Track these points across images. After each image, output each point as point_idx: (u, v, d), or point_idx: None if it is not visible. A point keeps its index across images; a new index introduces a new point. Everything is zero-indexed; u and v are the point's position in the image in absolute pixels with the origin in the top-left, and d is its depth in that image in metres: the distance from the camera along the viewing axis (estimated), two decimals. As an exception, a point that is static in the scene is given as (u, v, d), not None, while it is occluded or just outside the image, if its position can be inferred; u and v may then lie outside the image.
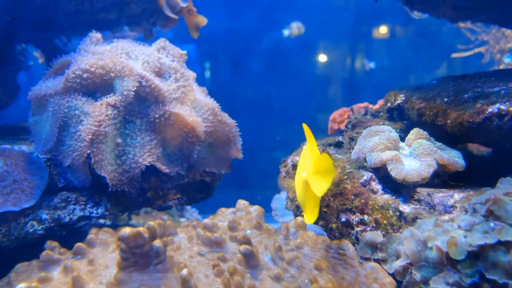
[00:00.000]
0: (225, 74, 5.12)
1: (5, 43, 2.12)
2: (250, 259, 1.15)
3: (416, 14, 3.58)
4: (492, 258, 0.95)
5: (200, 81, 1.96)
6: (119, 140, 1.51)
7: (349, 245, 1.18)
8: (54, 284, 1.14)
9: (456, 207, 1.19)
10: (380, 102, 2.34)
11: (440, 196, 1.24)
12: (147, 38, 2.46)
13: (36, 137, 1.56)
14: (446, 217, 1.12)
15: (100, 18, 2.11)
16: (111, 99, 1.50)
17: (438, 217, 1.14)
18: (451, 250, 0.99)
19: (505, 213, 0.99)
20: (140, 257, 1.03)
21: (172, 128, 1.60)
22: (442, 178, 1.37)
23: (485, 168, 1.48)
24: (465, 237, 1.00)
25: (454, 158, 1.30)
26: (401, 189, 1.34)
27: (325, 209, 1.39)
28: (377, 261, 1.17)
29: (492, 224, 0.99)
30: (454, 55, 3.90)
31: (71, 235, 1.47)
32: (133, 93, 1.51)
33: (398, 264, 1.10)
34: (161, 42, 1.86)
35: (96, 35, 1.74)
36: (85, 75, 1.51)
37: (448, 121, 1.37)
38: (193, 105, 1.73)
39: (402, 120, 1.82)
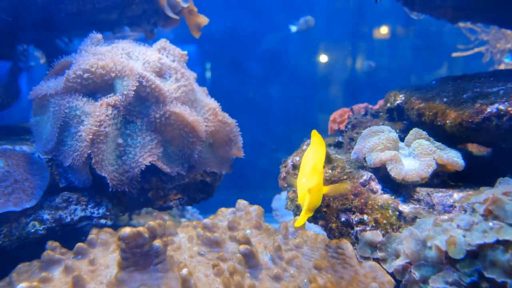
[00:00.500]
0: (225, 74, 5.12)
1: (6, 44, 2.13)
2: (249, 259, 1.15)
3: (415, 15, 3.59)
4: (491, 257, 0.95)
5: (201, 81, 1.97)
6: (120, 141, 1.51)
7: (348, 244, 1.19)
8: (55, 284, 1.15)
9: (455, 207, 1.19)
10: (380, 102, 2.34)
11: (440, 195, 1.25)
12: (148, 39, 2.47)
13: (37, 138, 1.57)
14: (445, 216, 1.13)
15: (101, 18, 2.12)
16: (111, 99, 1.50)
17: (437, 216, 1.15)
18: (450, 249, 1.00)
19: (503, 213, 0.99)
20: (140, 257, 1.04)
21: (173, 128, 1.61)
22: (441, 178, 1.37)
23: (484, 168, 1.48)
24: (464, 236, 1.01)
25: (453, 158, 1.30)
26: (400, 189, 1.35)
27: (325, 209, 1.40)
28: (377, 260, 1.18)
29: (490, 224, 0.99)
30: (454, 54, 3.90)
31: (72, 235, 1.48)
32: (133, 93, 1.52)
33: (398, 263, 1.10)
34: (162, 42, 1.86)
35: (96, 35, 1.74)
36: (85, 75, 1.52)
37: (447, 121, 1.37)
38: (194, 105, 1.74)
39: (402, 120, 1.82)
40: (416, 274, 1.04)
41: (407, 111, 1.67)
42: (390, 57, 5.13)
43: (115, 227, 1.55)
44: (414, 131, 1.44)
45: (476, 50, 3.82)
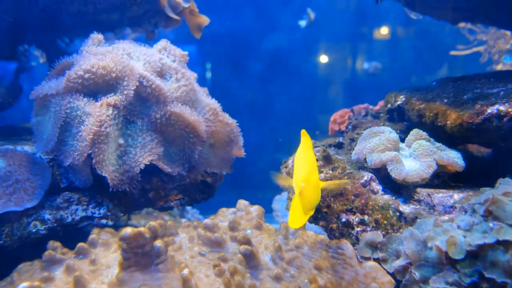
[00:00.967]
0: (226, 74, 5.13)
1: (8, 44, 2.13)
2: (250, 259, 1.16)
3: (414, 15, 3.59)
4: (491, 257, 0.96)
5: (201, 81, 1.97)
6: (121, 141, 1.51)
7: (348, 244, 1.19)
8: (57, 284, 1.15)
9: (455, 207, 1.20)
10: (381, 103, 2.35)
11: (440, 196, 1.25)
12: (149, 39, 2.47)
13: (38, 137, 1.57)
14: (446, 217, 1.13)
15: (103, 19, 2.12)
16: (112, 99, 1.51)
17: (437, 217, 1.15)
18: (451, 249, 1.00)
19: (503, 213, 0.99)
20: (141, 257, 1.04)
21: (174, 128, 1.61)
22: (441, 178, 1.38)
23: (484, 169, 1.49)
24: (464, 237, 1.01)
25: (453, 159, 1.31)
26: (401, 189, 1.35)
27: (325, 209, 1.40)
28: (377, 260, 1.18)
29: (491, 224, 1.00)
30: (453, 52, 3.91)
31: (73, 235, 1.48)
32: (134, 93, 1.52)
33: (398, 263, 1.11)
34: (163, 42, 1.87)
35: (98, 36, 1.75)
36: (86, 76, 1.52)
37: (447, 122, 1.37)
38: (195, 106, 1.74)
39: (402, 121, 1.83)
40: (416, 274, 1.05)
41: (407, 112, 1.67)
42: (390, 57, 5.14)
43: (116, 227, 1.55)
44: (415, 132, 1.44)
45: (475, 49, 3.82)
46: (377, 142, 1.39)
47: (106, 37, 1.79)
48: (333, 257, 1.18)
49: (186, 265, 1.09)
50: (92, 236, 1.32)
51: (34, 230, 1.43)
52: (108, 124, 1.46)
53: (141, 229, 1.02)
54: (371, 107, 2.36)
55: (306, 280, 1.11)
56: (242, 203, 1.44)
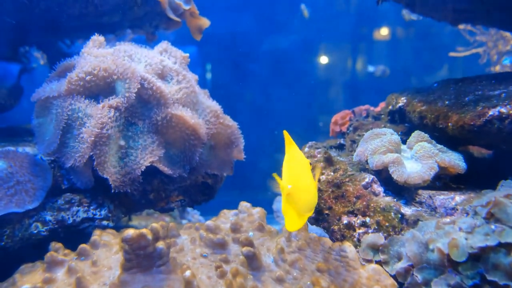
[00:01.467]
0: (226, 76, 5.13)
1: (9, 46, 2.13)
2: (252, 261, 1.16)
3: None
4: (493, 260, 0.96)
5: (202, 83, 1.97)
6: (122, 143, 1.52)
7: (351, 247, 1.19)
8: (59, 285, 1.15)
9: (457, 209, 1.20)
10: (382, 104, 2.35)
11: (442, 198, 1.25)
12: (150, 41, 2.47)
13: (40, 139, 1.57)
14: (447, 219, 1.13)
15: (104, 21, 2.13)
16: (113, 101, 1.51)
17: (439, 219, 1.15)
18: (452, 252, 1.00)
19: (505, 216, 1.00)
20: (143, 258, 1.04)
21: (174, 130, 1.61)
22: (443, 180, 1.38)
23: (486, 171, 1.49)
24: (466, 239, 1.01)
25: (455, 161, 1.31)
26: (402, 191, 1.35)
27: (327, 211, 1.40)
28: (379, 263, 1.18)
29: (493, 226, 1.00)
30: (452, 54, 3.92)
31: (74, 237, 1.48)
32: (135, 95, 1.52)
33: (400, 266, 1.11)
34: (164, 44, 1.87)
35: (99, 38, 1.75)
36: (88, 78, 1.52)
37: (449, 124, 1.38)
38: (195, 108, 1.74)
39: (404, 122, 1.83)
40: (418, 277, 1.05)
41: (408, 114, 1.67)
42: (390, 58, 5.14)
43: (117, 228, 1.55)
44: (416, 133, 1.44)
45: (474, 51, 3.83)
46: (378, 144, 1.39)
47: (106, 38, 1.80)
48: (336, 259, 1.18)
49: (188, 266, 1.09)
50: (94, 237, 1.32)
51: (35, 232, 1.44)
52: (110, 126, 1.46)
53: (143, 230, 1.03)
54: (372, 108, 2.36)
55: (308, 282, 1.11)
56: (244, 205, 1.44)
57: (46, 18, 1.92)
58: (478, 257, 0.98)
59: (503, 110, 1.24)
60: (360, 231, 1.30)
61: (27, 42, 2.31)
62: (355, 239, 1.31)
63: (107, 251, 1.29)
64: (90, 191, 1.57)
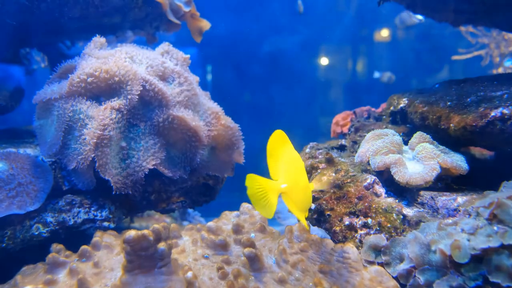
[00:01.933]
0: (227, 78, 5.13)
1: (10, 47, 2.13)
2: (254, 262, 1.15)
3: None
4: (495, 261, 0.95)
5: (203, 85, 1.97)
6: (123, 144, 1.52)
7: (353, 248, 1.19)
8: (60, 287, 1.15)
9: (459, 211, 1.19)
10: (383, 105, 2.35)
11: (444, 199, 1.25)
12: (150, 42, 2.47)
13: (41, 141, 1.57)
14: (450, 220, 1.13)
15: (104, 22, 2.13)
16: (115, 103, 1.51)
17: (441, 220, 1.15)
18: (455, 253, 1.00)
19: (508, 217, 0.99)
20: (145, 259, 1.04)
21: (176, 131, 1.61)
22: (445, 181, 1.38)
23: (488, 172, 1.49)
24: (468, 240, 1.01)
25: (457, 162, 1.31)
26: (404, 192, 1.35)
27: (328, 212, 1.40)
28: (381, 264, 1.18)
29: (495, 228, 1.00)
30: (455, 57, 3.91)
31: (75, 238, 1.48)
32: (137, 97, 1.52)
33: (402, 267, 1.10)
34: (165, 46, 1.87)
35: (100, 39, 1.75)
36: (89, 80, 1.52)
37: (451, 125, 1.37)
38: (197, 109, 1.74)
39: (405, 123, 1.83)
40: (420, 279, 1.04)
41: (410, 115, 1.67)
42: (390, 60, 5.14)
43: (118, 229, 1.55)
44: (418, 134, 1.44)
45: (476, 53, 3.83)
46: (380, 145, 1.39)
47: (107, 40, 1.80)
48: (338, 260, 1.18)
49: (190, 267, 1.09)
50: (95, 238, 1.32)
51: (36, 233, 1.43)
52: (112, 128, 1.46)
53: (145, 231, 1.02)
54: (373, 109, 2.36)
55: (311, 284, 1.11)
56: (245, 206, 1.44)
57: (46, 19, 1.92)
58: (480, 258, 0.98)
59: (505, 111, 1.23)
60: (362, 232, 1.30)
61: (27, 43, 2.31)
62: (356, 240, 1.30)
63: (109, 253, 1.29)
64: (91, 193, 1.57)
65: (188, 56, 1.89)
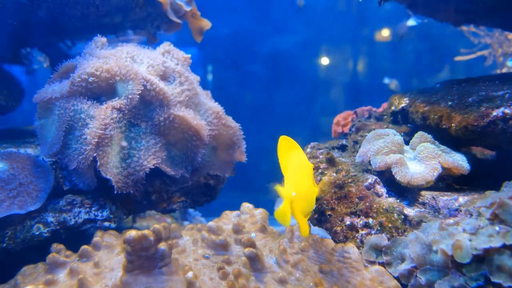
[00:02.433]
0: (228, 77, 5.13)
1: (11, 47, 2.13)
2: (255, 262, 1.15)
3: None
4: (497, 261, 0.95)
5: (203, 84, 1.97)
6: (124, 143, 1.51)
7: (354, 248, 1.18)
8: (60, 287, 1.15)
9: (460, 211, 1.19)
10: (384, 105, 2.34)
11: (445, 199, 1.25)
12: (151, 42, 2.47)
13: (42, 141, 1.57)
14: (451, 220, 1.12)
15: (105, 22, 2.12)
16: (116, 102, 1.51)
17: (443, 220, 1.15)
18: (456, 253, 0.99)
19: (510, 217, 0.99)
20: (145, 259, 1.04)
21: (177, 131, 1.61)
22: (446, 181, 1.37)
23: (490, 172, 1.48)
24: (470, 240, 1.01)
25: (458, 162, 1.30)
26: (405, 192, 1.34)
27: (329, 212, 1.40)
28: (382, 264, 1.17)
29: (497, 228, 0.99)
30: (457, 58, 3.90)
31: (76, 238, 1.48)
32: (138, 97, 1.52)
33: (403, 267, 1.10)
34: (166, 46, 1.87)
35: (101, 39, 1.75)
36: (90, 79, 1.52)
37: (452, 124, 1.37)
38: (197, 109, 1.74)
39: (406, 123, 1.82)
40: (422, 279, 1.04)
41: (411, 115, 1.67)
42: (391, 59, 5.14)
43: (119, 229, 1.55)
44: (419, 134, 1.43)
45: (479, 53, 3.81)
46: (381, 145, 1.39)
47: (108, 39, 1.80)
48: (338, 260, 1.18)
49: (190, 268, 1.09)
50: (96, 238, 1.32)
51: (37, 233, 1.43)
52: (112, 127, 1.46)
53: (146, 231, 1.02)
54: (374, 109, 2.35)
55: (311, 284, 1.11)
56: (246, 206, 1.44)
57: (47, 19, 1.92)
58: (482, 258, 0.97)
59: (507, 111, 1.23)
60: (363, 232, 1.30)
61: (28, 43, 2.31)
62: (357, 240, 1.30)
63: (109, 253, 1.29)
64: (91, 193, 1.57)
65: (189, 55, 1.89)
